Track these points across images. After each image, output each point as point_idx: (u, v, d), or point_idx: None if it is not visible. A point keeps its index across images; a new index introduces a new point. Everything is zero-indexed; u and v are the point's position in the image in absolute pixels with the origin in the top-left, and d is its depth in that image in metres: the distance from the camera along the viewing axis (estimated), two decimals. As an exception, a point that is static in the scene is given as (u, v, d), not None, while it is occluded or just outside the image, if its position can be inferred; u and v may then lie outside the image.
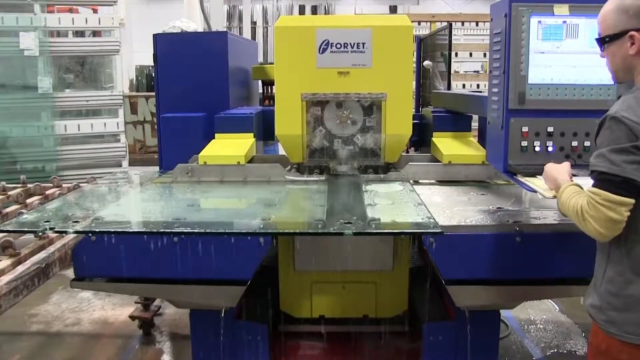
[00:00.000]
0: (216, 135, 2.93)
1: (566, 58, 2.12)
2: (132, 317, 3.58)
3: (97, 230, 1.93)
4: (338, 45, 2.58)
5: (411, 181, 2.68)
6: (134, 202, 2.53)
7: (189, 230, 1.92)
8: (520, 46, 2.12)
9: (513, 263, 2.03)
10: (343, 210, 2.10)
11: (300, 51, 2.57)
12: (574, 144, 2.12)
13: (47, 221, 2.00)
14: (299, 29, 2.59)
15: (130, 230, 1.97)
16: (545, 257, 2.04)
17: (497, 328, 2.48)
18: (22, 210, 3.15)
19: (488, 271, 2.03)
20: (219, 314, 2.33)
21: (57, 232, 1.95)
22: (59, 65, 6.04)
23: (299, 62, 2.57)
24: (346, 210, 2.08)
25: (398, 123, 2.63)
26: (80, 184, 3.49)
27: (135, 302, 3.66)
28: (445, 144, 2.88)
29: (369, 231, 1.87)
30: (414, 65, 3.99)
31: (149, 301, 3.63)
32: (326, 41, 2.58)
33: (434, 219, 1.98)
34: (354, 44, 2.58)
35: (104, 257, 2.06)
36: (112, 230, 1.93)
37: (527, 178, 2.09)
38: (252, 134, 2.90)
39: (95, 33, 6.66)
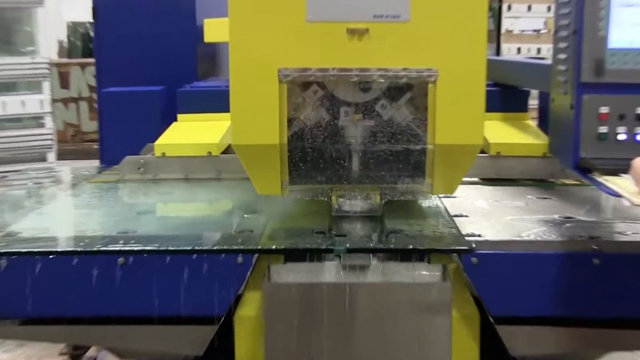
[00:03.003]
0: (179, 116, 2.93)
1: (662, 13, 2.11)
2: (57, 374, 3.56)
3: (6, 251, 1.91)
4: (347, -18, 2.02)
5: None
6: (63, 211, 2.52)
7: (139, 247, 1.93)
8: (599, -4, 2.10)
9: (590, 295, 2.01)
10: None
11: None
12: (672, 130, 2.11)
13: None
14: None
15: (56, 250, 1.95)
16: (635, 288, 2.01)
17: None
18: None
19: (554, 306, 2.00)
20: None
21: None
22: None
23: (274, 13, 2.09)
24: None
25: (460, 125, 2.13)
26: (-10, 184, 3.47)
27: (61, 354, 3.63)
28: (493, 129, 2.87)
29: (366, 247, 1.93)
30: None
31: (81, 351, 3.60)
32: (325, -26, 2.03)
33: (456, 228, 2.01)
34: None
35: (17, 290, 2.00)
36: (28, 250, 1.92)
37: (608, 177, 2.06)
38: (228, 115, 2.88)
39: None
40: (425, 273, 2.01)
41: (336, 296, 1.97)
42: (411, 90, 2.16)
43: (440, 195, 2.46)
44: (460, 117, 2.10)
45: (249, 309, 2.01)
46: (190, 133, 2.81)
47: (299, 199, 2.39)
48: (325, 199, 2.34)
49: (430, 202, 2.41)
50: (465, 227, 2.14)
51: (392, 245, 2.00)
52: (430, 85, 2.08)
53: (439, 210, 2.33)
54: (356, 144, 2.22)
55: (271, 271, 1.99)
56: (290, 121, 2.16)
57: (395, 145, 2.23)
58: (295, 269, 2.01)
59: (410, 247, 2.00)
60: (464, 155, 2.18)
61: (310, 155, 2.22)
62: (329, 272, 2.00)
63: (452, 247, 2.00)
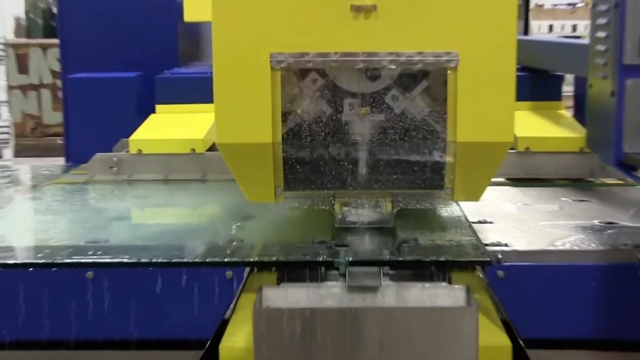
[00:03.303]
0: (157, 107, 2.94)
1: None
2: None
3: None
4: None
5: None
6: (21, 217, 2.54)
7: (108, 260, 1.93)
8: (645, -37, 2.11)
9: (637, 314, 2.00)
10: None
11: None
12: None
13: None
14: None
15: (14, 262, 1.95)
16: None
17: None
18: None
19: (595, 326, 2.01)
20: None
21: None
22: None
23: None
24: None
25: (485, 119, 2.09)
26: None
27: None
28: (522, 120, 2.86)
29: (371, 259, 1.93)
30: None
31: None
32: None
33: (477, 239, 2.01)
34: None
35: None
36: None
37: (656, 176, 2.08)
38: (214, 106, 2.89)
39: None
40: (446, 294, 1.98)
41: (340, 324, 1.91)
42: (427, 78, 2.13)
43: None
44: (486, 110, 2.05)
45: (237, 338, 1.96)
46: (171, 127, 2.81)
47: (296, 208, 2.38)
48: (327, 207, 2.31)
49: (448, 207, 2.41)
50: (490, 235, 2.15)
51: (401, 257, 1.99)
52: (449, 71, 2.04)
53: (457, 216, 2.34)
54: (363, 142, 2.19)
55: (263, 294, 1.95)
56: (285, 116, 2.12)
57: (409, 143, 2.19)
58: (292, 291, 1.98)
59: (421, 258, 2.00)
60: (491, 155, 2.13)
61: (309, 156, 2.19)
62: (332, 294, 1.98)
63: (473, 259, 2.00)
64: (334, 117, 2.16)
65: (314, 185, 2.18)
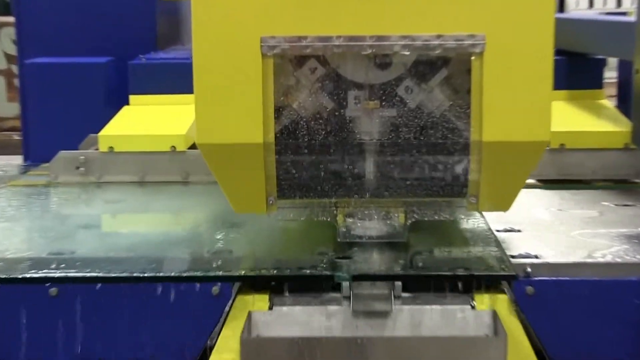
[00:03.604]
0: (131, 97, 2.95)
1: None
2: None
3: None
4: None
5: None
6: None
7: (77, 274, 1.94)
8: None
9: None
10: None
11: None
12: None
13: None
14: None
15: None
16: None
17: None
18: None
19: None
20: None
21: None
22: None
23: None
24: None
25: (516, 114, 2.08)
26: None
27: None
28: (556, 112, 2.85)
29: (377, 273, 1.93)
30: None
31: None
32: None
33: (501, 250, 2.02)
34: None
35: None
36: None
37: None
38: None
39: None
40: (469, 320, 1.97)
41: (343, 356, 1.90)
42: (447, 66, 2.11)
43: None
44: (518, 103, 2.03)
45: None
46: (147, 121, 2.83)
47: (292, 220, 2.40)
48: (328, 219, 2.33)
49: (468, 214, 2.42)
50: (518, 245, 2.16)
51: (413, 271, 1.99)
52: (474, 58, 2.02)
53: (478, 224, 2.35)
54: (371, 142, 2.17)
55: (252, 320, 1.94)
56: (278, 111, 2.11)
57: (425, 143, 2.17)
58: (286, 317, 1.97)
59: (436, 272, 2.01)
60: (524, 157, 2.11)
61: (307, 158, 2.18)
62: (334, 320, 1.97)
63: (496, 273, 1.99)
64: (337, 113, 2.14)
65: (312, 193, 2.17)
